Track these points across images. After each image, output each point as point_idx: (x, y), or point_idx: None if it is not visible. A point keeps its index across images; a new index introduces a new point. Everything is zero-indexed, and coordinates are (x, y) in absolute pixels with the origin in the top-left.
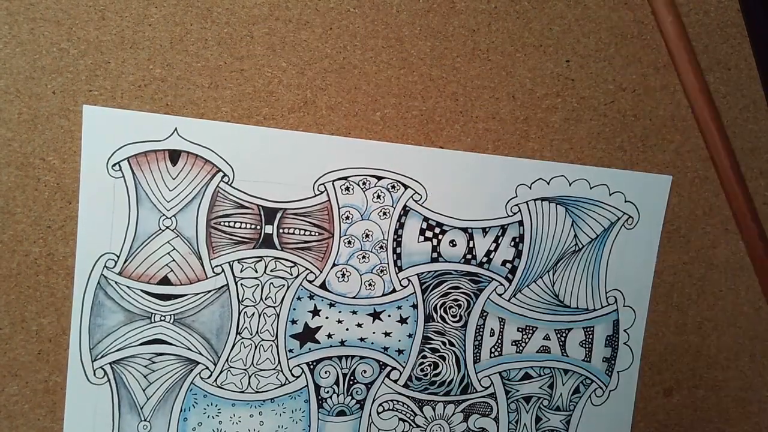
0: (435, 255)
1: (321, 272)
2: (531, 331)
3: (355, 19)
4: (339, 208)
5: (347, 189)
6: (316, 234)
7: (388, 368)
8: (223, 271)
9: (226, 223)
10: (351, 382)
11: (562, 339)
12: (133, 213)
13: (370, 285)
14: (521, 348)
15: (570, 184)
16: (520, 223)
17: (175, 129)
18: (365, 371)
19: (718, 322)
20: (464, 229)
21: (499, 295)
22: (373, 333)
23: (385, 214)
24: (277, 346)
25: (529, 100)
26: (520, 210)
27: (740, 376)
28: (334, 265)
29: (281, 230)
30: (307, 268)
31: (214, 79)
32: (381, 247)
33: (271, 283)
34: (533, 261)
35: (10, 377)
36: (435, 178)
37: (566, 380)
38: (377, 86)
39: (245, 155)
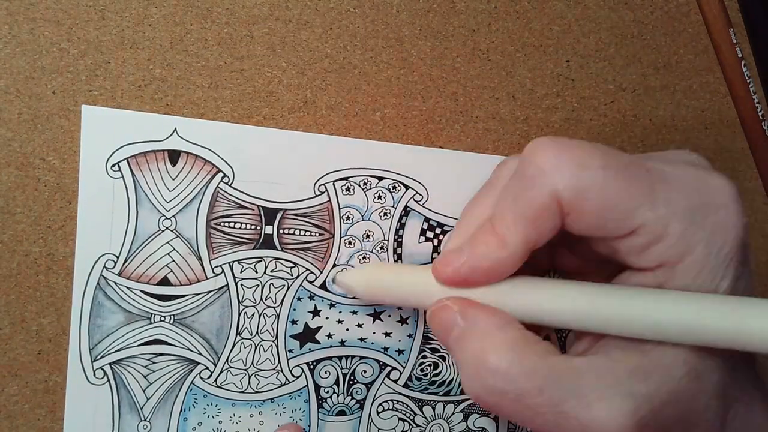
0: (436, 255)
1: (321, 273)
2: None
3: (355, 19)
4: (339, 209)
5: (348, 189)
6: (317, 234)
7: (388, 368)
8: (223, 271)
9: (226, 224)
10: (351, 382)
11: (563, 338)
12: (133, 213)
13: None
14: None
15: None
16: None
17: (175, 129)
18: (365, 371)
19: None
20: None
21: None
22: (373, 333)
23: (385, 214)
24: (277, 347)
25: (529, 100)
26: None
27: None
28: (334, 265)
29: (281, 231)
30: (307, 269)
31: (214, 79)
32: (382, 248)
33: (271, 283)
34: None
35: (10, 377)
36: (436, 179)
37: None
38: (377, 86)
39: (245, 155)
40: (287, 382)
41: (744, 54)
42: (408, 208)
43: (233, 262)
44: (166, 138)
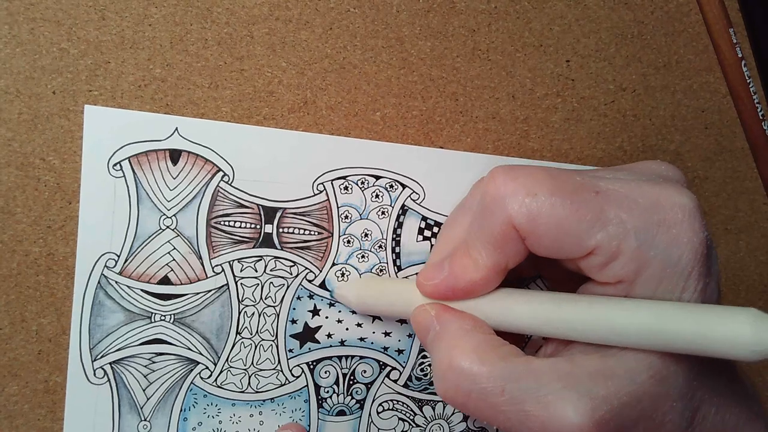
0: None
1: (321, 272)
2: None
3: (355, 19)
4: (338, 208)
5: (346, 188)
6: (316, 233)
7: (388, 368)
8: (223, 270)
9: (226, 223)
10: (351, 382)
11: None
12: (134, 212)
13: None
14: (521, 346)
15: None
16: None
17: (176, 129)
18: (365, 371)
19: None
20: None
21: None
22: (373, 333)
23: (383, 213)
24: (277, 346)
25: (529, 100)
26: None
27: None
28: (333, 264)
29: (281, 230)
30: (306, 268)
31: (214, 79)
32: (380, 247)
33: (271, 282)
34: None
35: (10, 377)
36: (433, 178)
37: None
38: (377, 86)
39: (245, 155)
40: (287, 381)
41: (744, 54)
42: (405, 207)
43: (233, 261)
44: (168, 137)
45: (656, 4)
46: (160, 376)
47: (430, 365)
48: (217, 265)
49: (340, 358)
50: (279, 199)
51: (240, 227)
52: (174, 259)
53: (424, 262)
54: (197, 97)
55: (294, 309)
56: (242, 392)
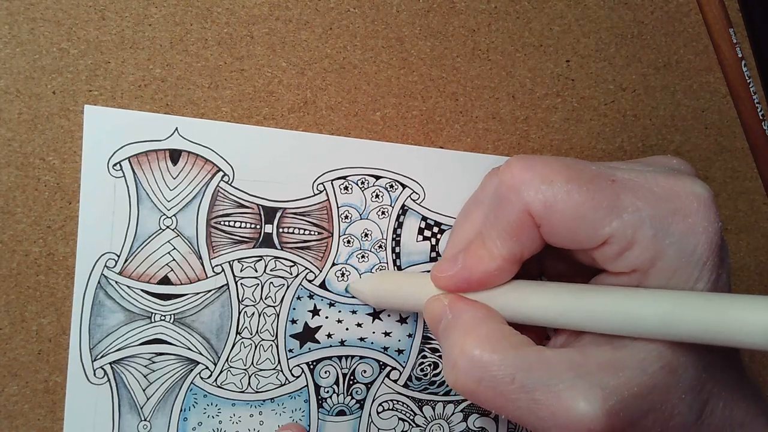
0: (434, 254)
1: (321, 271)
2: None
3: (355, 19)
4: (338, 208)
5: (346, 188)
6: (316, 233)
7: (388, 368)
8: (223, 270)
9: (226, 223)
10: (351, 382)
11: None
12: (134, 212)
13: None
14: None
15: None
16: None
17: (176, 129)
18: (365, 371)
19: None
20: None
21: None
22: (373, 333)
23: (383, 213)
24: (277, 346)
25: (529, 100)
26: None
27: None
28: (333, 264)
29: (281, 230)
30: (306, 268)
31: (214, 79)
32: (380, 247)
33: (271, 282)
34: None
35: (10, 377)
36: (433, 178)
37: None
38: (377, 86)
39: (245, 155)
40: (287, 381)
41: (744, 54)
42: (405, 207)
43: (233, 261)
44: (168, 137)
45: (656, 4)
46: (160, 376)
47: (430, 365)
48: (217, 265)
49: (340, 358)
50: (279, 199)
51: (240, 227)
52: (174, 259)
53: (424, 262)
54: (197, 97)
55: (294, 309)
56: (242, 392)
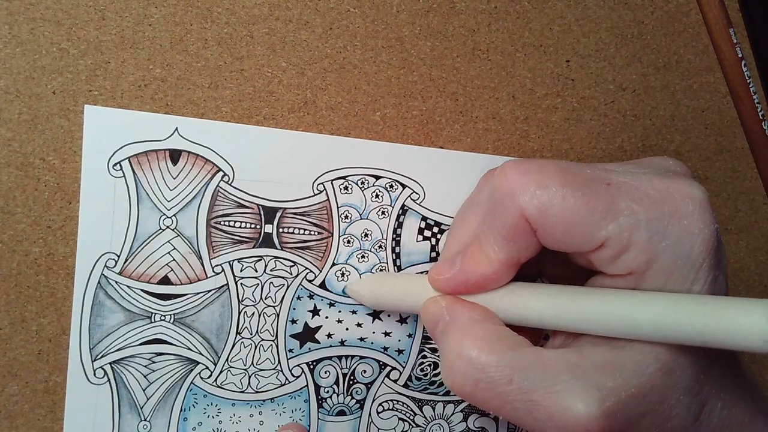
0: (434, 254)
1: (321, 271)
2: None
3: (355, 19)
4: (338, 208)
5: (346, 188)
6: (316, 233)
7: (388, 368)
8: (223, 270)
9: (226, 223)
10: (351, 382)
11: None
12: (134, 212)
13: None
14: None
15: None
16: None
17: (176, 129)
18: (365, 371)
19: None
20: None
21: None
22: (373, 333)
23: (383, 213)
24: (277, 346)
25: (529, 100)
26: None
27: None
28: (333, 264)
29: (281, 230)
30: (306, 268)
31: (214, 79)
32: (380, 247)
33: (271, 282)
34: None
35: (10, 377)
36: (433, 178)
37: None
38: (377, 86)
39: (245, 155)
40: (287, 382)
41: (744, 54)
42: (405, 207)
43: (233, 261)
44: (168, 137)
45: (656, 4)
46: (160, 376)
47: (430, 365)
48: (217, 265)
49: (340, 358)
50: (279, 199)
51: (240, 227)
52: (174, 259)
53: (424, 262)
54: (197, 97)
55: (294, 309)
56: (242, 392)
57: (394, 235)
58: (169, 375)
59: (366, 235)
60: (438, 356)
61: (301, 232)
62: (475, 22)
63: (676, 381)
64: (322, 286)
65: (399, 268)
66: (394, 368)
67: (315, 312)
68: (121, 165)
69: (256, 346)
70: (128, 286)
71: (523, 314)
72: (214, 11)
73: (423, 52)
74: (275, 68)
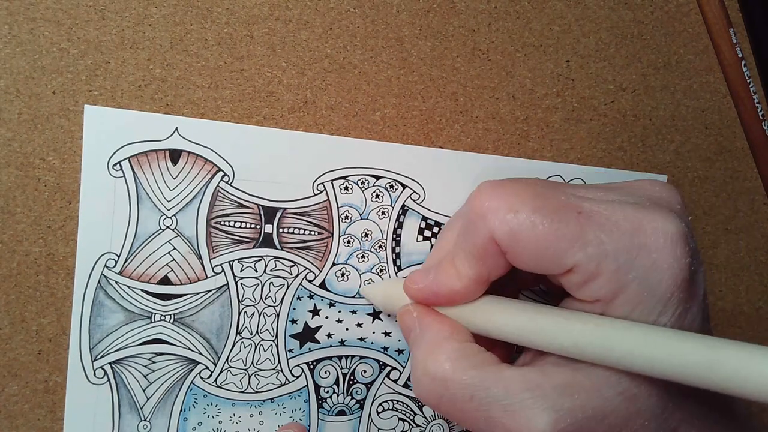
0: None
1: (321, 272)
2: None
3: (355, 19)
4: (338, 208)
5: (346, 188)
6: (316, 233)
7: (388, 368)
8: (223, 270)
9: (226, 223)
10: (351, 382)
11: None
12: (134, 213)
13: (369, 284)
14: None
15: None
16: None
17: (176, 129)
18: (365, 371)
19: (718, 322)
20: None
21: None
22: (373, 333)
23: (383, 213)
24: (277, 346)
25: (529, 100)
26: None
27: None
28: (333, 264)
29: (281, 230)
30: (306, 268)
31: (214, 79)
32: (380, 247)
33: (271, 282)
34: None
35: (10, 377)
36: (433, 178)
37: None
38: (377, 86)
39: (245, 155)
40: (287, 382)
41: (744, 54)
42: (405, 207)
43: (233, 261)
44: (168, 137)
45: (656, 4)
46: (160, 376)
47: None
48: (217, 265)
49: (340, 358)
50: (279, 199)
51: (240, 227)
52: (174, 259)
53: (424, 262)
54: (197, 97)
55: (294, 309)
56: (242, 392)
57: (395, 235)
58: (169, 375)
59: (366, 235)
60: None
61: (301, 232)
62: (475, 22)
63: (639, 406)
64: (322, 286)
65: (399, 268)
66: (394, 368)
67: (315, 312)
68: (121, 165)
69: (256, 346)
70: (128, 286)
71: (489, 328)
72: (214, 11)
73: (423, 52)
74: (275, 68)
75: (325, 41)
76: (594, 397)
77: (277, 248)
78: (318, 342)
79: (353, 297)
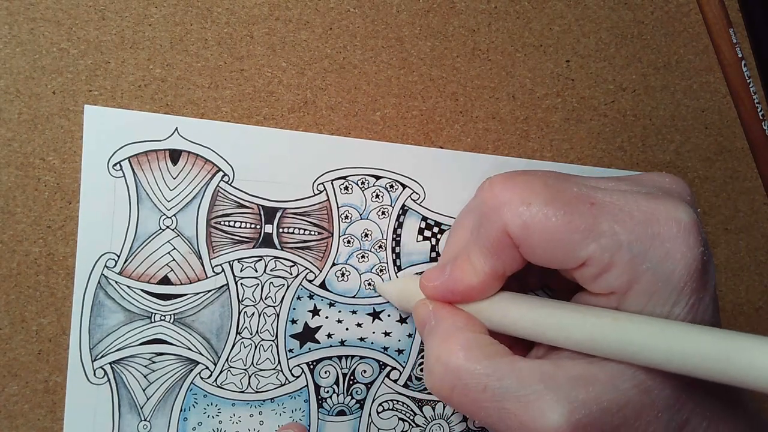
0: (434, 255)
1: (321, 272)
2: None
3: (355, 19)
4: (338, 208)
5: (346, 188)
6: (316, 233)
7: (388, 368)
8: (223, 270)
9: (226, 223)
10: (351, 382)
11: None
12: (134, 213)
13: (369, 284)
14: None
15: None
16: None
17: (176, 129)
18: (365, 371)
19: None
20: None
21: None
22: (373, 333)
23: (383, 213)
24: (277, 346)
25: (529, 100)
26: None
27: None
28: (333, 264)
29: (281, 230)
30: (306, 268)
31: (214, 79)
32: (380, 247)
33: (271, 282)
34: None
35: (10, 377)
36: (433, 178)
37: None
38: (377, 86)
39: (245, 155)
40: (287, 382)
41: (744, 54)
42: (405, 207)
43: (233, 261)
44: (168, 137)
45: (656, 4)
46: (160, 376)
47: None
48: (217, 265)
49: (340, 358)
50: (279, 199)
51: (240, 227)
52: (174, 259)
53: (424, 262)
54: (197, 97)
55: (294, 309)
56: (242, 392)
57: (395, 235)
58: (169, 375)
59: (366, 235)
60: None
61: (301, 232)
62: (475, 22)
63: (653, 399)
64: (322, 286)
65: (399, 268)
66: (394, 368)
67: (315, 312)
68: (121, 165)
69: (256, 346)
70: (128, 286)
71: (506, 324)
72: (214, 11)
73: (423, 52)
74: (275, 68)
75: (325, 41)
76: (609, 389)
77: (277, 248)
78: (318, 342)
79: (353, 297)
